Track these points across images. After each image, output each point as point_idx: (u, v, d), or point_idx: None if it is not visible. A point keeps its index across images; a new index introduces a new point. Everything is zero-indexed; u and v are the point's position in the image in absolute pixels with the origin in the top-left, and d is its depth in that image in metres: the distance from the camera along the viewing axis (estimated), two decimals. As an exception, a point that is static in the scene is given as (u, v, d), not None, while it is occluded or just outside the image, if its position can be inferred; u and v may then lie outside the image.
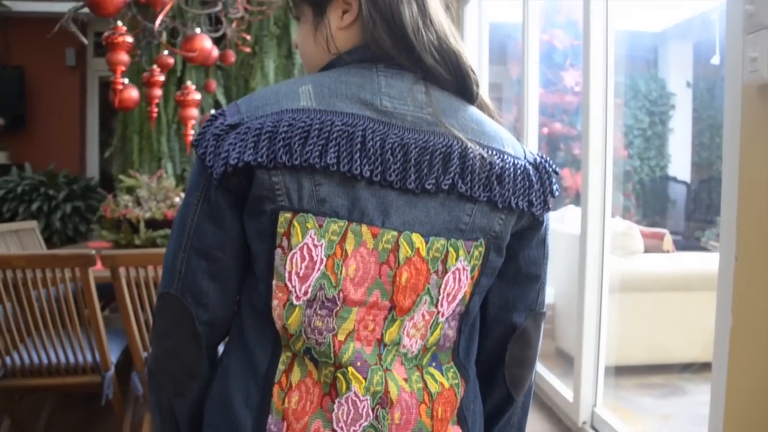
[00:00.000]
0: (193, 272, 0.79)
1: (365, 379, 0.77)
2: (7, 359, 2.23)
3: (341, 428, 0.77)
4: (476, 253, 0.81)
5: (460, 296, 0.82)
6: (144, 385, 2.27)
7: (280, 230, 0.76)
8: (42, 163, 6.16)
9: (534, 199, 0.82)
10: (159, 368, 0.84)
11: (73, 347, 2.24)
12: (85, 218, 5.86)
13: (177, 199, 3.17)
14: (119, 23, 2.70)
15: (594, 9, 2.72)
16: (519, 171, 0.82)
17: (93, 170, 6.62)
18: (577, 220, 2.92)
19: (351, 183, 0.75)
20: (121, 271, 2.09)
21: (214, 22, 3.64)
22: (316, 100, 0.76)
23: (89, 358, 2.25)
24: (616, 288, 3.12)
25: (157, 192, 3.15)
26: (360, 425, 0.77)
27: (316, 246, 0.76)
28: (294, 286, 0.77)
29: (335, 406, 0.77)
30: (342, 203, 0.75)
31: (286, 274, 0.76)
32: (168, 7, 2.51)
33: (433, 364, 0.84)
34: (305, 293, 0.77)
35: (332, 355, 0.77)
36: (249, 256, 0.80)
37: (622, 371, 3.19)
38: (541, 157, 0.86)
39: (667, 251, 3.53)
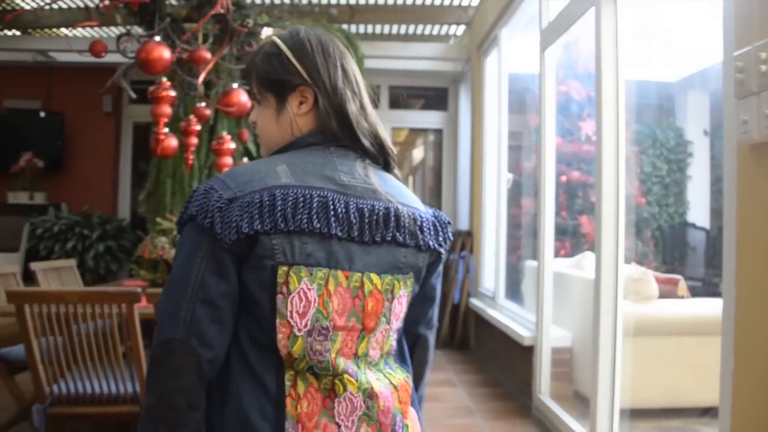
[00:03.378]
0: (198, 319, 0.97)
1: (357, 381, 1.03)
2: (54, 388, 2.39)
3: (342, 420, 1.01)
4: (408, 283, 1.10)
5: (402, 316, 1.12)
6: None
7: (280, 280, 0.98)
8: (77, 203, 6.43)
9: (441, 241, 1.13)
10: (162, 406, 0.97)
11: (115, 378, 2.39)
12: (117, 257, 6.07)
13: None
14: (164, 78, 2.93)
15: (605, 61, 2.88)
16: (429, 222, 1.12)
17: (124, 211, 6.86)
18: (593, 265, 3.03)
19: (327, 240, 1.00)
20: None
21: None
22: (293, 177, 1.01)
23: (129, 389, 2.40)
24: (631, 332, 3.21)
25: (192, 234, 3.32)
26: (356, 415, 1.02)
27: (309, 289, 0.99)
28: (295, 322, 0.99)
29: (335, 404, 1.01)
30: (322, 255, 1.00)
31: (288, 313, 0.99)
32: (211, 65, 2.73)
33: (387, 367, 1.11)
34: (305, 326, 1.00)
35: (331, 368, 1.02)
36: (242, 302, 1.01)
37: (638, 414, 3.24)
38: (437, 211, 1.17)
39: (682, 297, 3.60)
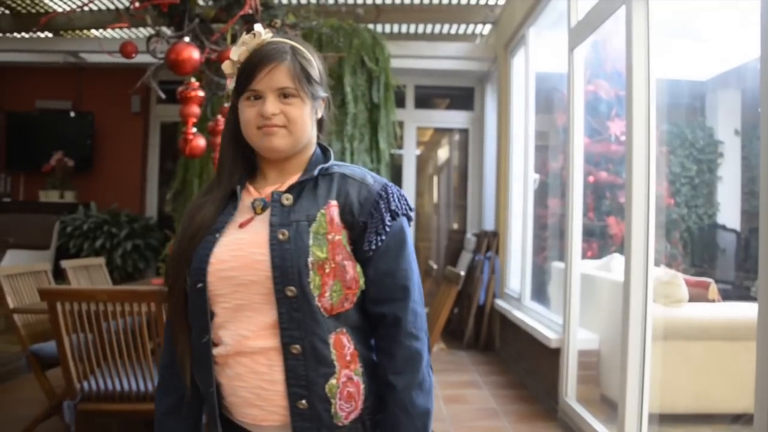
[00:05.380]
0: None
1: None
2: (85, 384, 2.42)
3: None
4: None
5: None
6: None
7: None
8: (106, 202, 6.52)
9: None
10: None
11: (144, 376, 2.42)
12: (144, 256, 6.15)
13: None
14: (192, 79, 2.96)
15: (636, 59, 2.84)
16: None
17: (152, 210, 6.94)
18: (621, 268, 2.99)
19: None
20: (192, 306, 2.27)
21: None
22: None
23: (158, 386, 2.42)
24: (660, 336, 3.16)
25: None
26: None
27: None
28: None
29: None
30: None
31: None
32: (239, 66, 2.73)
33: None
34: None
35: None
36: None
37: (667, 419, 3.19)
38: None
39: (713, 300, 3.53)
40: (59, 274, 3.85)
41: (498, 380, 4.56)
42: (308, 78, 1.18)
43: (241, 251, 1.14)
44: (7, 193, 6.70)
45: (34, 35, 6.45)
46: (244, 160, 1.23)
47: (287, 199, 1.16)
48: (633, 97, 2.84)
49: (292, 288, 1.10)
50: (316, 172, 1.18)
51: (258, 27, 1.21)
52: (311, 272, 1.11)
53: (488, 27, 6.40)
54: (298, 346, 1.11)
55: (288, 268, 1.10)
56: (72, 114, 6.75)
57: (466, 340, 5.62)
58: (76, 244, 5.96)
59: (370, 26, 5.73)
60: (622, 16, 2.96)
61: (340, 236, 1.14)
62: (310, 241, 1.12)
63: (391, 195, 1.17)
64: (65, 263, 3.75)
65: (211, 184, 1.25)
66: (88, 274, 3.93)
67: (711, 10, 4.77)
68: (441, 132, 7.53)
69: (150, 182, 7.01)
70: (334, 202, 1.16)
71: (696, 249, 6.39)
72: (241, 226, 1.17)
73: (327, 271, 1.12)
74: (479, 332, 5.62)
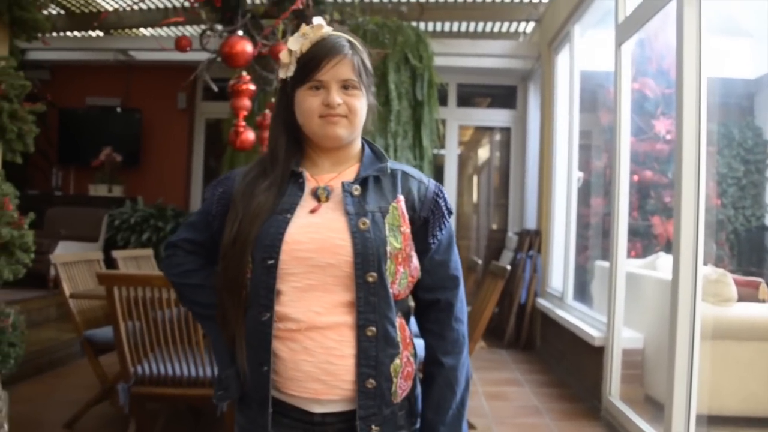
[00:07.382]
0: None
1: None
2: (138, 368, 2.50)
3: None
4: None
5: None
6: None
7: None
8: (152, 197, 6.67)
9: None
10: None
11: (195, 362, 2.48)
12: (188, 249, 6.25)
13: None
14: (244, 73, 3.02)
15: (687, 56, 2.80)
16: None
17: (196, 205, 7.06)
18: (668, 266, 2.95)
19: None
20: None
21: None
22: None
23: (209, 372, 2.49)
24: (709, 336, 3.10)
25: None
26: None
27: None
28: None
29: None
30: None
31: None
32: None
33: None
34: None
35: None
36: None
37: (715, 421, 3.13)
38: None
39: (763, 300, 3.46)
40: (109, 265, 3.97)
41: (539, 378, 4.53)
42: (367, 72, 1.24)
43: (318, 234, 1.16)
44: (59, 186, 6.92)
45: (86, 34, 6.64)
46: (296, 146, 1.26)
47: (356, 190, 1.20)
48: (683, 96, 2.80)
49: (374, 274, 1.15)
50: (388, 170, 1.24)
51: (319, 20, 1.24)
52: (388, 260, 1.17)
53: (532, 25, 6.36)
54: (373, 329, 1.15)
55: (369, 256, 1.15)
56: (119, 110, 6.93)
57: (507, 339, 5.60)
58: (124, 237, 6.11)
59: (414, 24, 5.75)
60: (672, 12, 2.91)
61: (409, 229, 1.22)
62: (387, 232, 1.18)
63: (444, 194, 1.27)
64: (116, 253, 3.88)
65: (261, 167, 1.24)
66: (137, 264, 4.04)
67: (760, 5, 4.66)
68: (481, 131, 7.51)
69: (195, 177, 7.14)
70: (401, 197, 1.23)
71: (743, 251, 6.24)
72: (313, 211, 1.20)
73: (400, 260, 1.19)
74: (520, 331, 5.59)
